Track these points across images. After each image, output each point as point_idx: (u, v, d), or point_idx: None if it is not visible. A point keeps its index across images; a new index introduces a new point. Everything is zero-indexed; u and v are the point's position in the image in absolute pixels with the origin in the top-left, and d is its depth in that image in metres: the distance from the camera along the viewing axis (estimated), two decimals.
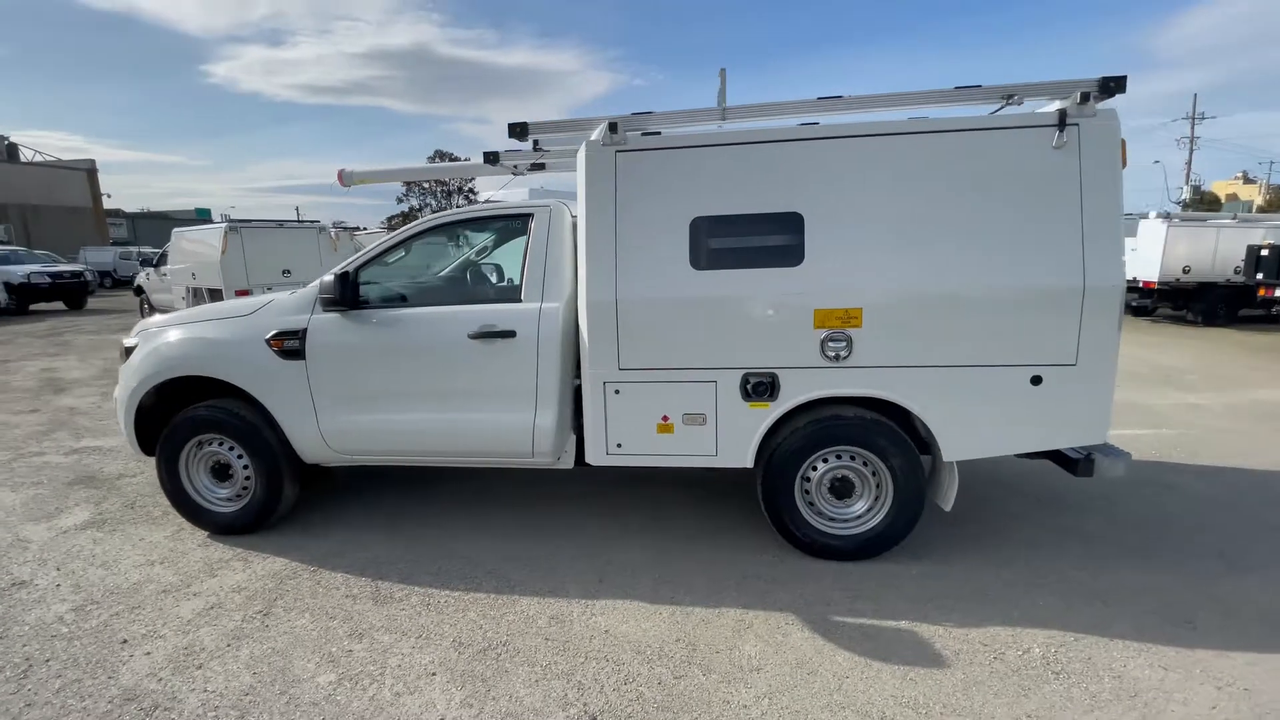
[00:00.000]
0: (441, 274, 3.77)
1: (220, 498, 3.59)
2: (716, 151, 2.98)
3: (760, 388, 3.02)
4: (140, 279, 13.03)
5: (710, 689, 2.31)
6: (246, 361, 3.36)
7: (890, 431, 3.02)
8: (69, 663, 2.52)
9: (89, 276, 16.99)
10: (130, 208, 45.20)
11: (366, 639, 2.64)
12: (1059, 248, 2.79)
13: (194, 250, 10.29)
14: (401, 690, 2.33)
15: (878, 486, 3.13)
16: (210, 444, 3.51)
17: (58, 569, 3.25)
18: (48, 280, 15.51)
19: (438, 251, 3.97)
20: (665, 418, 3.13)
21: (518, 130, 3.27)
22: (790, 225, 2.93)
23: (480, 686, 2.34)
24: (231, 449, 3.49)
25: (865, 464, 3.11)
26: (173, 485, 3.55)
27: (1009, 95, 2.88)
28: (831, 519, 3.20)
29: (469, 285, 3.60)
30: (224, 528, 3.57)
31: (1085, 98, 2.74)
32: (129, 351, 3.60)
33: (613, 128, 3.01)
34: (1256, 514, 3.72)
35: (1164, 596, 2.85)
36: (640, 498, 4.00)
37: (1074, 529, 3.53)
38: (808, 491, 3.18)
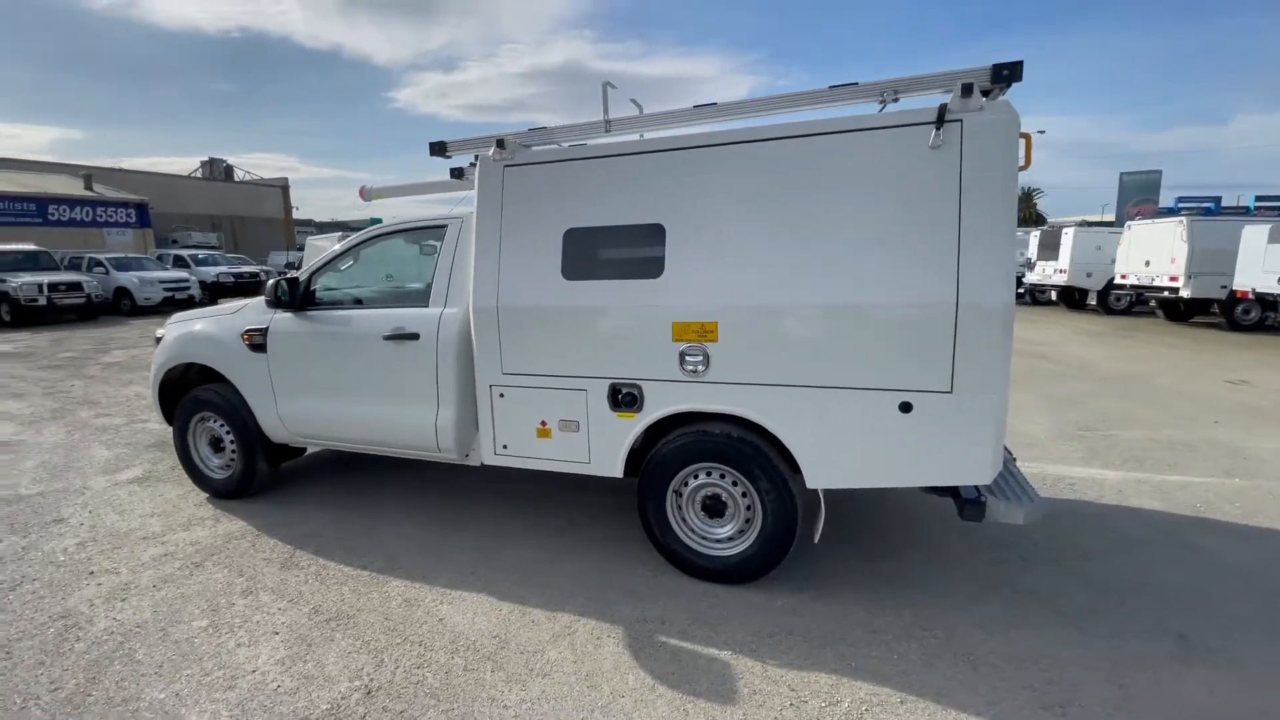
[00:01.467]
0: (378, 280, 4.16)
1: (215, 466, 4.26)
2: (587, 165, 3.03)
3: (627, 398, 3.02)
4: None
5: (488, 685, 2.39)
6: (227, 352, 3.98)
7: (756, 452, 2.86)
8: (46, 584, 3.19)
9: (264, 276, 20.27)
10: (323, 218, 52.98)
11: (251, 596, 3.04)
12: (931, 260, 2.49)
13: (318, 255, 11.96)
14: (244, 643, 2.68)
15: (748, 509, 2.97)
16: (208, 420, 4.19)
17: (90, 511, 4.07)
18: (232, 279, 18.80)
19: (404, 257, 4.36)
20: (544, 423, 3.22)
21: (438, 148, 3.54)
22: (653, 237, 2.90)
23: (302, 650, 2.62)
24: (221, 425, 4.13)
25: (736, 484, 2.97)
26: (182, 451, 4.29)
27: (886, 92, 2.62)
28: (703, 538, 3.09)
29: (394, 290, 3.94)
30: (217, 492, 4.24)
31: (968, 89, 2.42)
32: (159, 340, 4.39)
33: (500, 144, 3.17)
34: (1278, 594, 2.97)
35: (1058, 672, 2.42)
36: (574, 504, 4.09)
37: (1008, 582, 3.07)
38: (680, 506, 3.10)
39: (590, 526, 3.75)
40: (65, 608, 2.96)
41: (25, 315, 13.96)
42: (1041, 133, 36.65)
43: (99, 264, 16.54)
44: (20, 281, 14.02)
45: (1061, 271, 15.03)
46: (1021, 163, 2.54)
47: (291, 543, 3.61)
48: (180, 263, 18.96)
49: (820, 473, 2.77)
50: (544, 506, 4.03)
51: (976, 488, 2.75)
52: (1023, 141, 2.54)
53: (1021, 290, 17.91)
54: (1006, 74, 2.42)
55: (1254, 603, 2.88)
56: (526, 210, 3.14)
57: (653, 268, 2.90)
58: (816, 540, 2.90)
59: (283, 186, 38.00)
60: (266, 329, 3.85)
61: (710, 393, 2.87)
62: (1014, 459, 3.27)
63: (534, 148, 3.21)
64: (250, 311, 3.99)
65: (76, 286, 14.79)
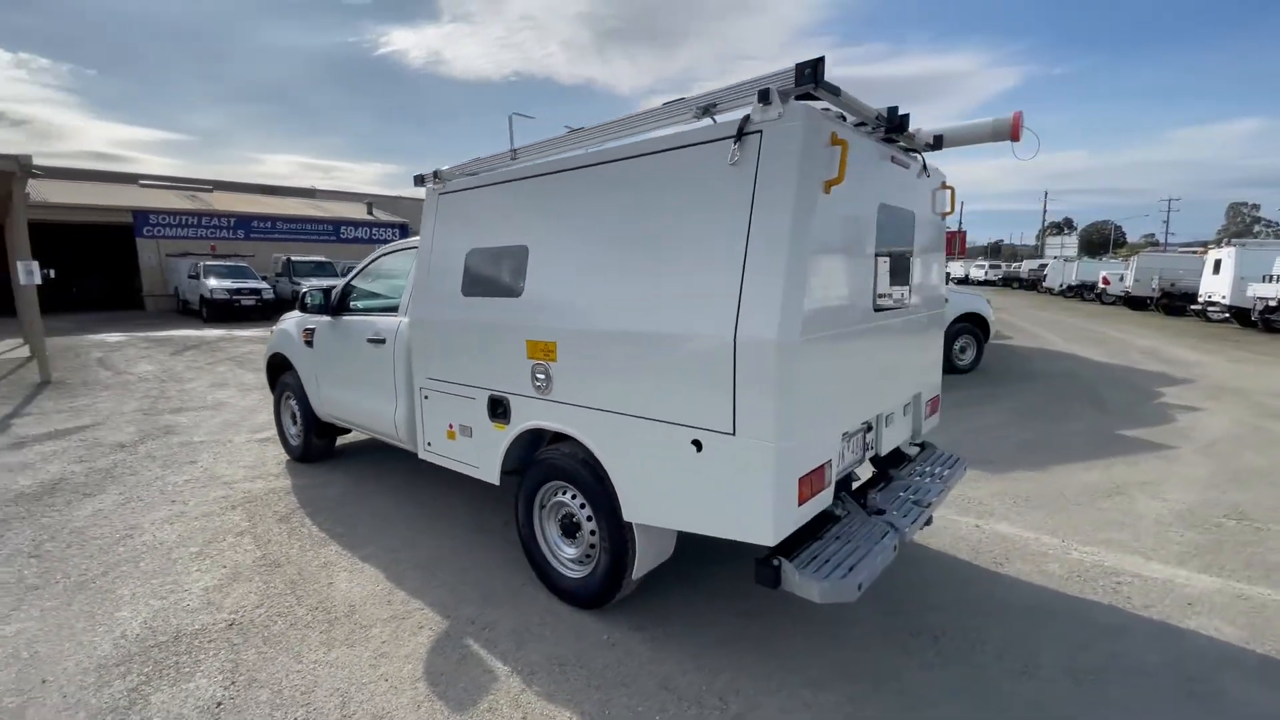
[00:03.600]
0: (384, 292, 4.83)
1: (292, 435, 5.39)
2: (485, 190, 3.28)
3: (502, 410, 3.19)
4: None
5: (306, 642, 2.78)
6: (293, 346, 5.03)
7: (593, 475, 2.81)
8: (145, 503, 4.42)
9: None
10: None
11: (239, 537, 3.87)
12: (718, 288, 2.25)
13: None
14: (204, 569, 3.46)
15: (592, 534, 2.92)
16: (290, 399, 5.32)
17: (214, 459, 5.45)
18: None
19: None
20: (451, 425, 3.53)
21: (418, 180, 4.09)
22: (521, 258, 3.04)
23: (227, 582, 3.30)
24: (295, 403, 5.23)
25: (585, 507, 2.95)
26: (277, 421, 5.51)
27: (708, 106, 2.41)
28: (557, 555, 3.11)
29: (385, 302, 4.55)
30: (293, 456, 5.37)
31: (764, 96, 2.16)
32: (272, 332, 5.69)
33: (435, 174, 3.59)
34: None
35: None
36: None
37: (882, 677, 2.53)
38: (542, 520, 3.17)
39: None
40: (138, 522, 4.10)
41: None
42: None
43: None
44: (309, 285, 18.62)
45: None
46: (833, 175, 2.17)
47: (302, 503, 4.44)
48: None
49: (633, 506, 2.63)
50: (499, 505, 4.33)
51: (799, 547, 2.35)
52: (836, 150, 2.16)
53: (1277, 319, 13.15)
54: (809, 73, 2.09)
55: None
56: (449, 233, 3.50)
57: (517, 287, 3.04)
58: (635, 577, 2.74)
59: None
60: (315, 329, 4.80)
61: (553, 411, 2.91)
62: (905, 525, 2.66)
63: (476, 174, 3.55)
64: (313, 315, 4.99)
65: None
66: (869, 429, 2.87)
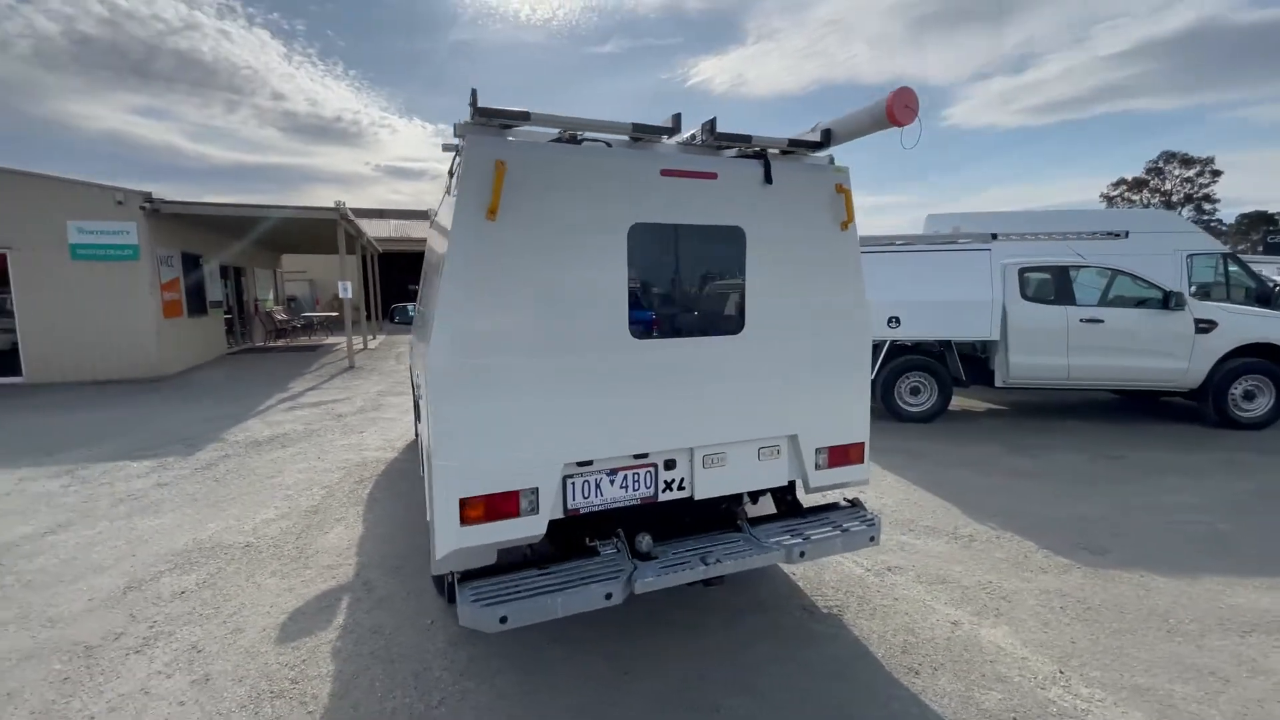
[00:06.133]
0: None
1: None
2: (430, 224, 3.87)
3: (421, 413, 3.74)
4: None
5: (268, 566, 3.73)
6: (408, 347, 6.39)
7: None
8: (305, 455, 6.14)
9: None
10: None
11: (321, 489, 5.18)
12: (434, 318, 2.42)
13: None
14: (278, 505, 4.79)
15: None
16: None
17: (375, 432, 7.17)
18: None
19: None
20: (417, 430, 4.22)
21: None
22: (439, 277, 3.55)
23: (280, 515, 4.53)
24: None
25: None
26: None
27: (460, 137, 2.57)
28: None
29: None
30: (416, 434, 6.79)
31: (456, 128, 2.29)
32: None
33: (429, 215, 4.33)
34: None
35: None
36: None
37: None
38: None
39: None
40: (285, 469, 5.77)
41: None
42: None
43: None
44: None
45: None
46: (488, 204, 2.17)
47: (384, 473, 5.65)
48: None
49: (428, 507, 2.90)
50: None
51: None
52: (495, 178, 2.16)
53: None
54: (471, 101, 2.15)
55: None
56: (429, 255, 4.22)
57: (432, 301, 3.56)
58: (434, 574, 2.98)
59: None
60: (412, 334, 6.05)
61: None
62: (645, 576, 2.30)
63: None
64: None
65: None
66: (668, 465, 2.60)
